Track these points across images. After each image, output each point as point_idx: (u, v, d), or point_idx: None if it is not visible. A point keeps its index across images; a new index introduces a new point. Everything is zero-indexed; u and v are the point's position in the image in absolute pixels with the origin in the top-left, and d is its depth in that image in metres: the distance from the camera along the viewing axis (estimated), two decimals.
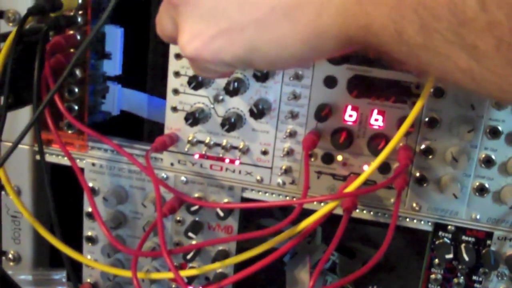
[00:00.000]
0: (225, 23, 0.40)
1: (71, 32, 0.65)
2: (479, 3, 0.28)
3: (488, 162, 0.61)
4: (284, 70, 0.62)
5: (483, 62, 0.30)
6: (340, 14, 0.36)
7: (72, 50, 0.66)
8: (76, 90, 0.67)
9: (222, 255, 0.68)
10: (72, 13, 0.65)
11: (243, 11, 0.39)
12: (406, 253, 0.79)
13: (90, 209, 0.69)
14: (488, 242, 0.64)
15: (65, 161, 0.70)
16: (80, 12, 0.65)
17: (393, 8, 0.32)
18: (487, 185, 0.61)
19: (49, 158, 0.71)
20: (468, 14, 0.29)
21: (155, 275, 0.62)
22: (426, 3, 0.31)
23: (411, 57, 0.34)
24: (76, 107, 0.67)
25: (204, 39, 0.41)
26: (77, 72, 0.66)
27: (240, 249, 0.67)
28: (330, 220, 0.58)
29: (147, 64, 0.74)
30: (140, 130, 0.76)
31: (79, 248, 0.72)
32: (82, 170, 0.68)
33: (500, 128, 0.59)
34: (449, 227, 0.64)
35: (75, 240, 0.72)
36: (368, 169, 0.55)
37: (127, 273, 0.60)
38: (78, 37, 0.65)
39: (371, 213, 0.65)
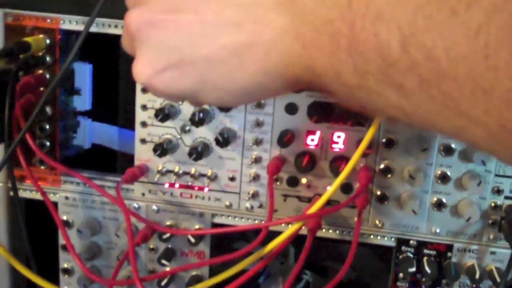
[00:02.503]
0: (176, 56, 0.41)
1: (40, 71, 0.68)
2: (401, 45, 0.31)
3: (443, 178, 0.64)
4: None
5: (411, 99, 0.33)
6: (286, 55, 0.38)
7: (41, 88, 0.68)
8: (47, 126, 0.69)
9: (196, 280, 0.70)
10: (40, 54, 0.67)
11: (194, 46, 0.41)
12: (375, 269, 0.82)
13: (64, 242, 0.71)
14: (449, 254, 0.67)
15: (38, 196, 0.71)
16: (48, 52, 0.67)
17: (332, 52, 0.35)
18: (444, 200, 0.65)
19: (23, 194, 0.72)
20: (393, 56, 0.32)
21: None
22: (357, 47, 0.33)
23: (350, 97, 0.36)
24: (48, 143, 0.69)
25: (155, 69, 0.42)
26: (47, 109, 0.68)
27: (213, 274, 0.69)
28: (302, 241, 0.61)
29: (116, 98, 0.76)
30: (112, 162, 0.78)
31: (56, 281, 0.73)
32: (55, 204, 0.70)
33: (453, 145, 0.63)
34: (411, 241, 0.67)
35: (53, 272, 0.73)
36: (329, 189, 0.58)
37: None
38: (47, 76, 0.68)
39: (337, 232, 0.68)
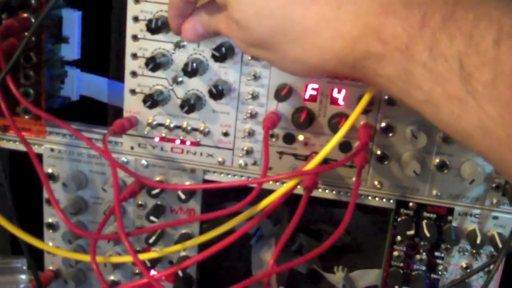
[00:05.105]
0: None
1: (25, 15, 0.64)
2: None
3: (448, 138, 0.61)
4: None
5: None
6: None
7: (27, 33, 0.64)
8: (32, 74, 0.65)
9: (185, 238, 0.67)
10: None
11: None
12: (372, 232, 0.79)
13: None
14: (449, 218, 0.64)
15: (23, 147, 0.68)
16: None
17: None
18: (447, 162, 0.62)
19: (6, 144, 0.69)
20: None
21: (115, 259, 0.62)
22: None
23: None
24: (33, 92, 0.66)
25: None
26: (33, 56, 0.65)
27: (203, 233, 0.67)
28: (297, 202, 0.58)
29: (106, 48, 0.73)
30: (101, 115, 0.75)
31: (41, 235, 0.71)
32: (40, 156, 0.67)
33: None
34: (411, 204, 0.64)
35: (38, 227, 0.71)
36: (327, 146, 0.55)
37: (86, 258, 0.59)
38: (33, 20, 0.64)
39: (334, 192, 0.65)
